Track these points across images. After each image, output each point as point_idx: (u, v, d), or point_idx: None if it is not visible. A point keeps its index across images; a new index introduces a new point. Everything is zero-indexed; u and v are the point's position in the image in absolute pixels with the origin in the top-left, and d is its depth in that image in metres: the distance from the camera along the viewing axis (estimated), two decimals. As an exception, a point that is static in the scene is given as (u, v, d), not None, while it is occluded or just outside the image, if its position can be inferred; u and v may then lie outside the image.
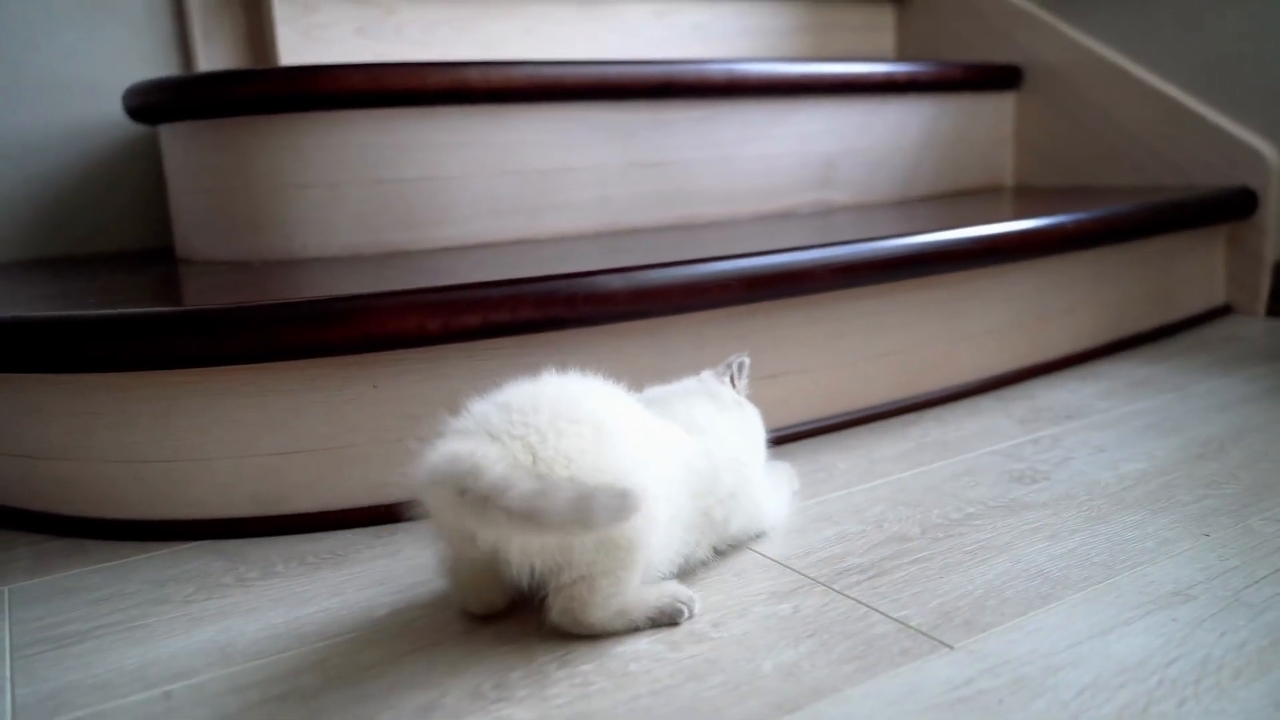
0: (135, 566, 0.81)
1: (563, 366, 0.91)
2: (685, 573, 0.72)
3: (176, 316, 0.82)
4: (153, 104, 1.24)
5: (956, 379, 1.18)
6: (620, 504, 0.58)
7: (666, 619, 0.66)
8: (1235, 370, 1.24)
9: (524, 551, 0.62)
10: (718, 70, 1.41)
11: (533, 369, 0.90)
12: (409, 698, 0.59)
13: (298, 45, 1.51)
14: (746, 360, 0.83)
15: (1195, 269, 1.53)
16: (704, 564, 0.75)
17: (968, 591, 0.70)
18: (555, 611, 0.65)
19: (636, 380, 0.91)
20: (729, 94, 1.44)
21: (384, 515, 0.87)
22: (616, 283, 0.90)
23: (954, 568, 0.73)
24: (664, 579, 0.69)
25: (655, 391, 0.79)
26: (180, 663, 0.65)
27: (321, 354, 0.83)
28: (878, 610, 0.67)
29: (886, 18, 2.07)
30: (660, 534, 0.66)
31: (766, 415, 1.04)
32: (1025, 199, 1.56)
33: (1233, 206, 1.52)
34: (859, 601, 0.69)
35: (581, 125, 1.34)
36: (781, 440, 1.04)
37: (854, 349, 1.09)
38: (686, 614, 0.67)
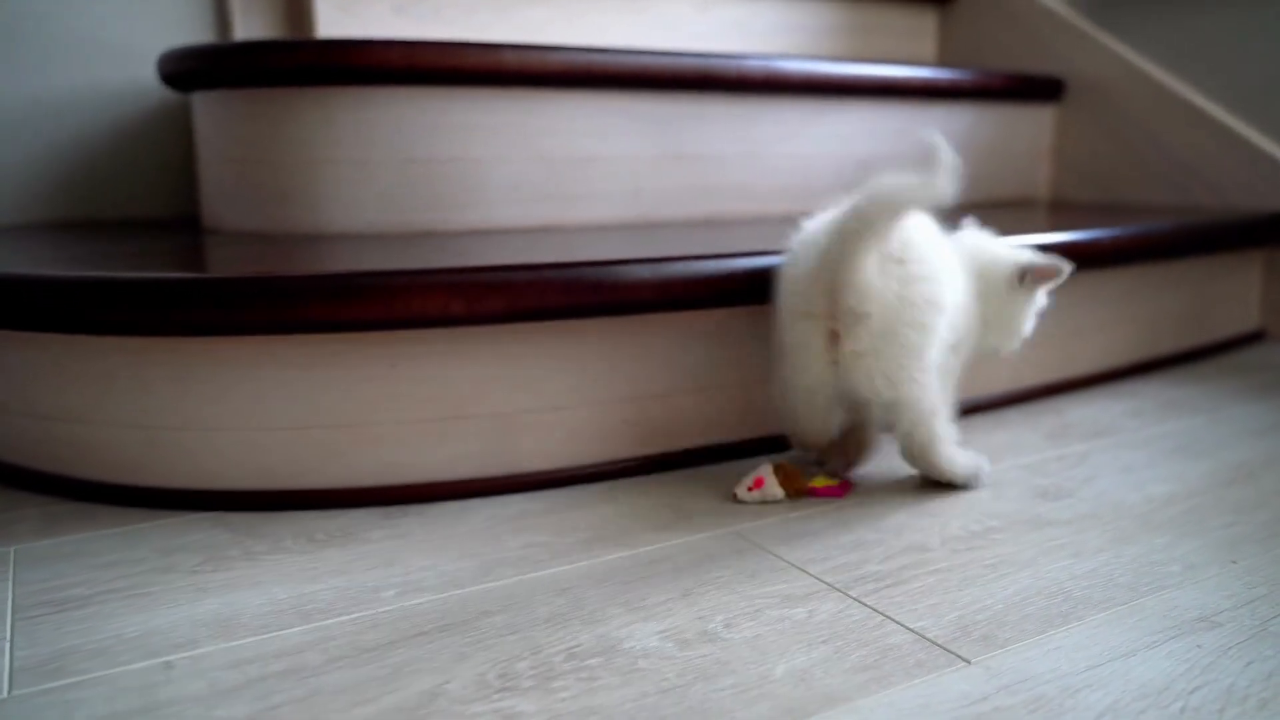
0: (144, 534, 0.80)
1: (587, 354, 0.91)
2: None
3: (196, 284, 0.81)
4: (187, 70, 1.24)
5: (985, 390, 1.16)
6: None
7: (974, 478, 0.89)
8: (1268, 396, 1.21)
9: (869, 375, 0.82)
10: (756, 66, 1.40)
11: (554, 356, 0.90)
12: (412, 682, 0.58)
13: (336, 21, 1.50)
14: (1066, 270, 0.92)
15: (1230, 292, 1.50)
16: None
17: (987, 606, 0.68)
18: (901, 451, 0.88)
19: (659, 370, 0.89)
20: (766, 91, 1.42)
21: (396, 496, 0.86)
22: (644, 273, 0.88)
23: (973, 581, 0.72)
24: None
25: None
26: (182, 633, 0.64)
27: (341, 330, 0.82)
28: (894, 620, 0.66)
29: (929, 22, 2.04)
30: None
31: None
32: (1061, 213, 1.54)
33: (1271, 230, 1.49)
34: (875, 610, 0.67)
35: (616, 114, 1.32)
36: (801, 442, 1.02)
37: (880, 354, 1.07)
38: (983, 479, 0.89)
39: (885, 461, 0.98)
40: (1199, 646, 0.63)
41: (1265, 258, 1.54)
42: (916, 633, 0.64)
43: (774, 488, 0.86)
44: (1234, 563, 0.75)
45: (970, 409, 1.14)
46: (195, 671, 0.60)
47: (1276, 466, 0.96)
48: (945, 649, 0.62)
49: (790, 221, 0.97)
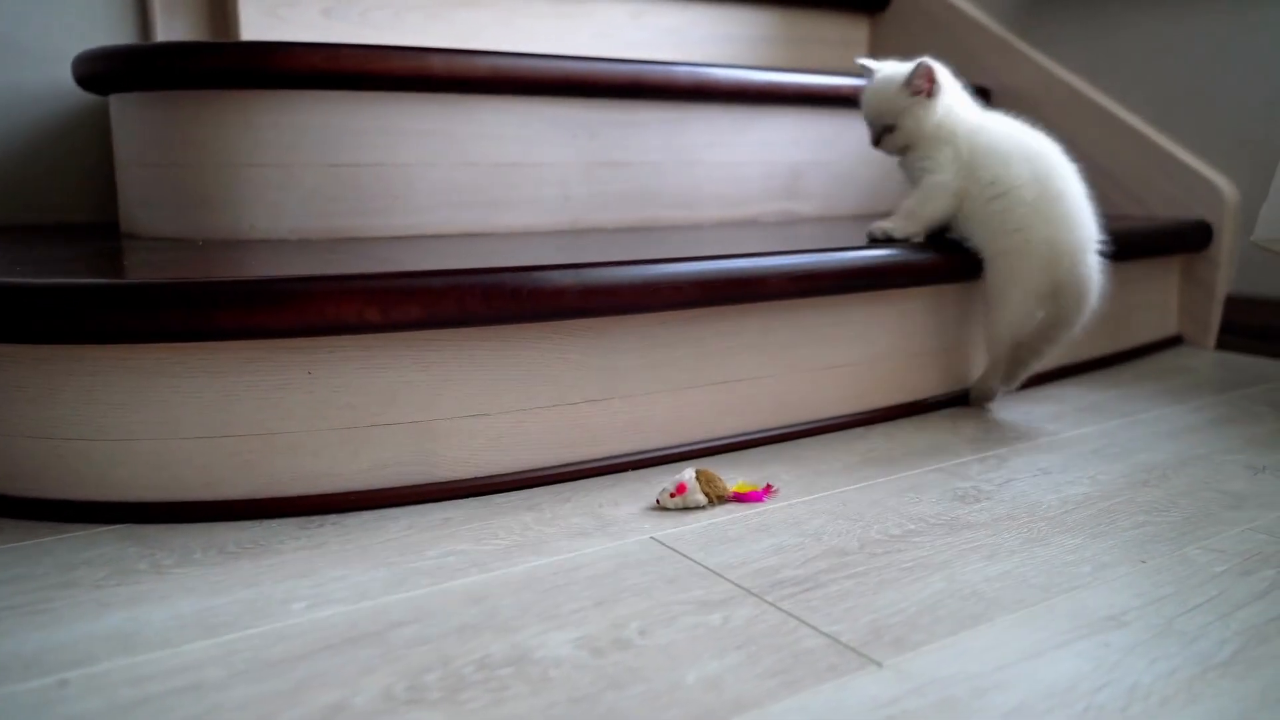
0: (47, 548, 0.77)
1: (507, 362, 0.90)
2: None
3: (103, 289, 0.79)
4: (102, 72, 1.21)
5: (909, 394, 1.18)
6: None
7: None
8: (1183, 400, 1.24)
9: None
10: (685, 73, 1.40)
11: (475, 362, 0.89)
12: (316, 696, 0.57)
13: (261, 24, 1.48)
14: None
15: (1149, 299, 1.53)
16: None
17: (901, 609, 0.68)
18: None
19: (584, 377, 0.89)
20: (696, 98, 1.43)
21: (312, 506, 0.84)
22: (566, 279, 0.88)
23: (890, 584, 0.72)
24: None
25: None
26: (81, 649, 0.62)
27: (254, 337, 0.80)
28: (809, 624, 0.66)
29: (861, 33, 2.07)
30: None
31: (716, 423, 1.03)
32: (987, 220, 1.56)
33: (1188, 239, 1.53)
34: (790, 614, 0.67)
35: (546, 121, 1.32)
36: (730, 448, 1.03)
37: (808, 359, 1.08)
38: None
39: (809, 467, 0.98)
40: (1106, 645, 0.64)
41: (1183, 265, 1.58)
42: (830, 637, 0.64)
43: (696, 493, 0.86)
44: (1143, 562, 0.77)
45: (896, 413, 1.16)
46: (92, 689, 0.58)
47: (1188, 468, 0.98)
48: (858, 652, 0.62)
49: (724, 227, 0.98)
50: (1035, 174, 1.10)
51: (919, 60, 1.11)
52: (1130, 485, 0.94)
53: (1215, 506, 0.88)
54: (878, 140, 1.16)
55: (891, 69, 1.15)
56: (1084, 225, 1.11)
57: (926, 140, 1.13)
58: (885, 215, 1.19)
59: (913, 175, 1.17)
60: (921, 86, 1.11)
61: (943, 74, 1.13)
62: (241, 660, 0.61)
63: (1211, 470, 0.98)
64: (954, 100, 1.14)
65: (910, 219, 1.14)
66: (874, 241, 1.13)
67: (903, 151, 1.16)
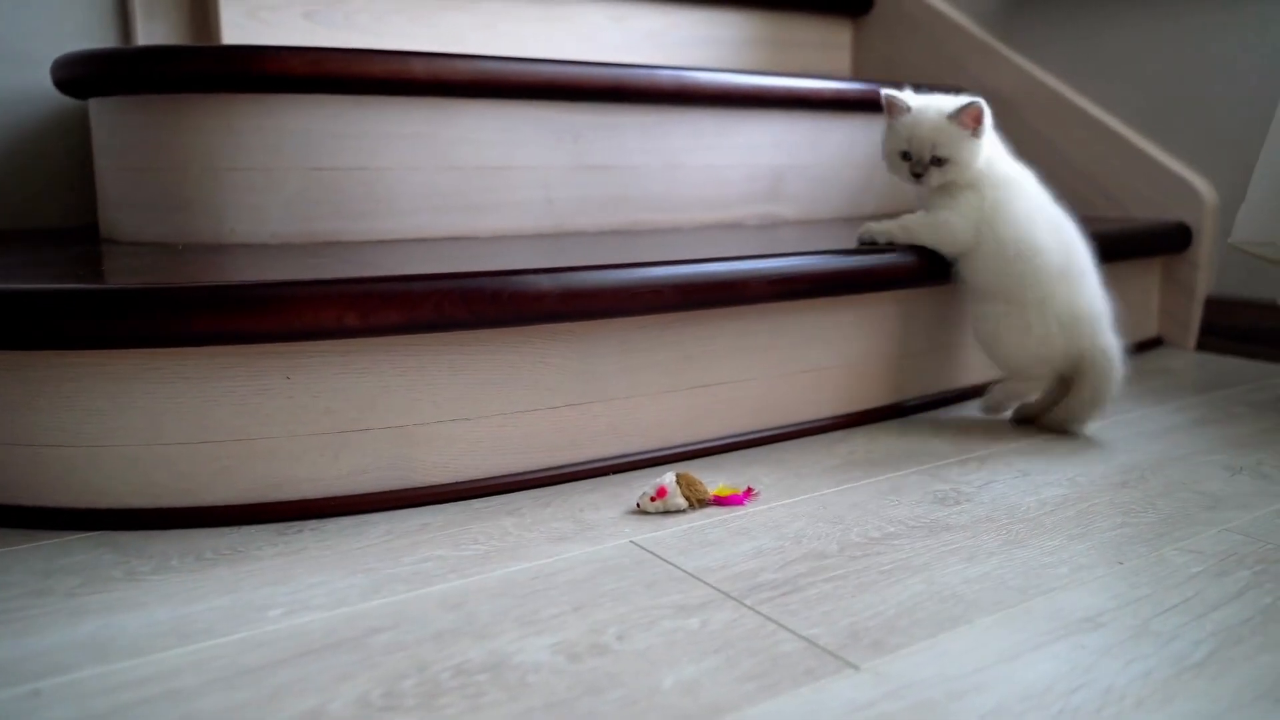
0: (21, 556, 0.77)
1: (487, 366, 0.90)
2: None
3: (80, 295, 0.78)
4: (81, 76, 1.20)
5: (891, 397, 1.18)
6: None
7: None
8: (1163, 401, 1.25)
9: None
10: (668, 77, 1.40)
11: (457, 368, 0.88)
12: (291, 703, 0.57)
13: (243, 27, 1.47)
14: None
15: (1129, 300, 1.54)
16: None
17: (879, 611, 0.69)
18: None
19: (565, 381, 0.89)
20: (678, 101, 1.43)
21: (291, 512, 0.84)
22: (545, 283, 0.88)
23: (868, 587, 0.72)
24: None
25: None
26: (54, 658, 0.62)
27: (232, 342, 0.80)
28: (786, 628, 0.66)
29: (844, 37, 2.08)
30: None
31: (697, 427, 1.03)
32: (969, 222, 1.56)
33: (1168, 240, 1.54)
34: (768, 618, 0.67)
35: (528, 124, 1.32)
36: (710, 452, 1.03)
37: (788, 362, 1.08)
38: None
39: (790, 470, 0.99)
40: (1082, 647, 0.64)
41: (1163, 267, 1.59)
42: (808, 640, 0.64)
43: (676, 497, 0.86)
44: (1120, 563, 0.77)
45: (878, 415, 1.16)
46: (65, 698, 0.58)
47: (1166, 469, 0.99)
48: (835, 656, 0.63)
49: (706, 230, 0.98)
50: (1061, 243, 1.10)
51: (970, 100, 1.07)
52: (1109, 486, 0.94)
53: (1193, 507, 0.88)
54: (919, 174, 1.10)
55: (928, 100, 1.11)
56: (1102, 300, 1.11)
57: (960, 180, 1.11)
58: (870, 218, 1.19)
59: (927, 199, 1.14)
60: (968, 124, 1.08)
61: (988, 116, 1.10)
62: (217, 668, 0.61)
63: (1190, 471, 0.98)
64: (991, 145, 1.12)
65: (906, 234, 1.13)
66: (862, 245, 1.13)
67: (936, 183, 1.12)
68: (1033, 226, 1.09)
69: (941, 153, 1.09)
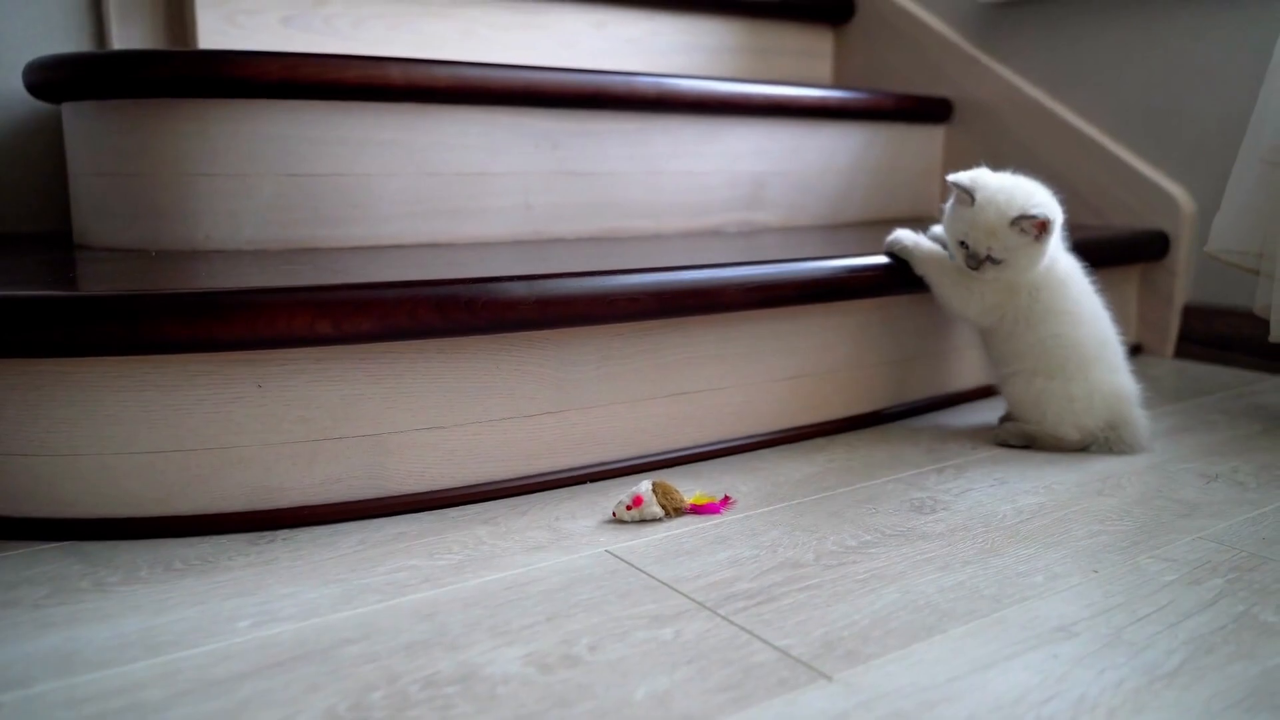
0: (-12, 566, 0.76)
1: (462, 374, 0.89)
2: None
3: (48, 302, 0.77)
4: (54, 80, 1.19)
5: (868, 404, 1.18)
6: None
7: None
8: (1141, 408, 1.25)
9: None
10: (648, 83, 1.40)
11: (431, 376, 0.88)
12: (258, 716, 0.56)
13: (219, 32, 1.46)
14: None
15: (1108, 308, 1.54)
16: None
17: (854, 621, 0.68)
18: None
19: (540, 389, 0.88)
20: (659, 108, 1.43)
21: (263, 521, 0.83)
22: (520, 290, 0.87)
23: (843, 596, 0.72)
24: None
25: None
26: (17, 671, 0.61)
27: (203, 349, 0.79)
28: (760, 638, 0.66)
29: (825, 44, 2.08)
30: None
31: (674, 435, 1.03)
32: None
33: (1146, 249, 1.55)
34: (742, 628, 0.67)
35: (507, 130, 1.31)
36: (688, 460, 1.02)
37: (767, 370, 1.08)
38: None
39: (768, 478, 0.98)
40: (1055, 657, 0.64)
41: (1142, 275, 1.60)
42: (781, 650, 0.64)
43: (653, 506, 0.85)
44: (1095, 572, 0.77)
45: (855, 423, 1.16)
46: (26, 712, 0.57)
47: (1143, 476, 0.99)
48: (809, 666, 0.62)
49: (686, 237, 0.97)
50: (1098, 336, 1.11)
51: (1040, 212, 1.01)
52: (1085, 494, 0.94)
53: (1168, 515, 0.89)
54: (977, 263, 1.05)
55: (996, 190, 1.03)
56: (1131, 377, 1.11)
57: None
58: (851, 225, 1.19)
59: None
60: (1030, 231, 1.03)
61: (1057, 225, 1.05)
62: (184, 680, 0.60)
63: (1166, 479, 0.99)
64: (1055, 245, 1.07)
65: (936, 286, 1.11)
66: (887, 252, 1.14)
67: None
68: (1077, 323, 1.09)
69: (998, 255, 1.04)
